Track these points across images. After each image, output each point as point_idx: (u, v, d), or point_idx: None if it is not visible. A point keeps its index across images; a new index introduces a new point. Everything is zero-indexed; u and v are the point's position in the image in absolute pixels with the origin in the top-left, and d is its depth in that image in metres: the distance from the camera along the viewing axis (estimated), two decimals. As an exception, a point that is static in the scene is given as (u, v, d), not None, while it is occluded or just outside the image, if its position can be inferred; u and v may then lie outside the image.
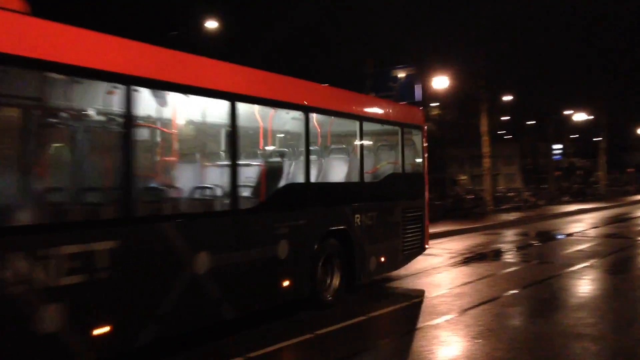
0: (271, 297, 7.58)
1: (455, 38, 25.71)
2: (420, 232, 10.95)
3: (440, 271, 12.15)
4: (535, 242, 17.86)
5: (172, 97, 6.71)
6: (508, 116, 42.99)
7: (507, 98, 35.64)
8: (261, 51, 23.24)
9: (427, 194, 11.31)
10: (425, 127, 11.51)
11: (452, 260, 13.61)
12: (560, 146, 54.33)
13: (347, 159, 9.47)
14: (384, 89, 23.16)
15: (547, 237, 19.27)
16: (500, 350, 6.58)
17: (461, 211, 25.79)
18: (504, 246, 17.01)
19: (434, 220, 21.97)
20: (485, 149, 28.63)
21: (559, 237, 19.25)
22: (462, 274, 11.79)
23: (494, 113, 32.05)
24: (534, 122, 46.26)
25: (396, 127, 10.55)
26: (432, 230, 19.23)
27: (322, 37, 24.97)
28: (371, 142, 10.56)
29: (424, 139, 11.38)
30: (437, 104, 32.82)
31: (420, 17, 24.89)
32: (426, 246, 11.19)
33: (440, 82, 24.82)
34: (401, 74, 23.25)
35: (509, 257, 14.76)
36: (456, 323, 7.80)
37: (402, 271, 11.80)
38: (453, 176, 55.09)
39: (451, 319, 7.98)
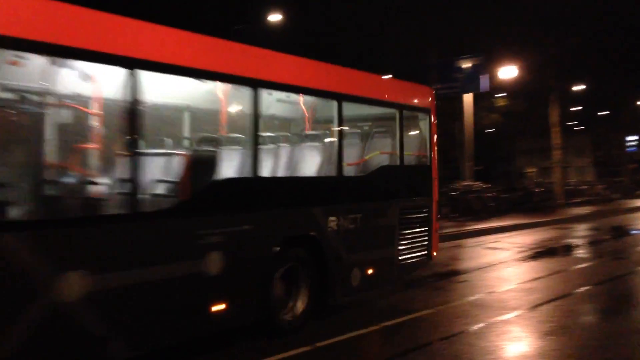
0: (194, 326, 5.81)
1: (524, 25, 24.84)
2: (426, 237, 8.90)
3: (508, 265, 11.88)
4: (608, 238, 17.18)
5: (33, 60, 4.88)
6: (579, 106, 41.43)
7: (579, 87, 34.33)
8: (324, 42, 23.27)
9: (436, 191, 9.33)
10: (433, 114, 9.40)
11: (521, 255, 13.27)
12: (635, 137, 51.95)
13: (320, 149, 7.64)
14: (448, 80, 22.81)
15: (622, 232, 18.51)
16: (573, 348, 6.38)
17: (530, 204, 25.11)
18: (575, 241, 16.46)
19: (502, 214, 21.52)
20: (556, 140, 27.74)
21: (634, 232, 18.47)
22: (532, 268, 11.48)
23: (565, 103, 30.96)
24: (607, 112, 44.39)
25: (392, 110, 8.57)
26: (499, 223, 18.90)
27: (385, 28, 24.73)
28: (357, 128, 8.74)
29: (433, 125, 9.33)
30: (504, 94, 31.98)
31: (487, 4, 24.23)
32: (434, 254, 9.16)
33: (508, 71, 24.18)
34: (466, 64, 22.79)
35: (581, 252, 14.27)
36: (527, 319, 7.62)
37: (469, 265, 11.62)
38: (521, 169, 53.66)
39: (521, 314, 7.79)
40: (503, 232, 17.81)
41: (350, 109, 7.86)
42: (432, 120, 9.35)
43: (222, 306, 5.97)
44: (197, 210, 5.86)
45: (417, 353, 6.35)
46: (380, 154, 8.51)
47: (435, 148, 9.45)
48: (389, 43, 24.15)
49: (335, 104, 7.49)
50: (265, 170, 7.04)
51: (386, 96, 8.55)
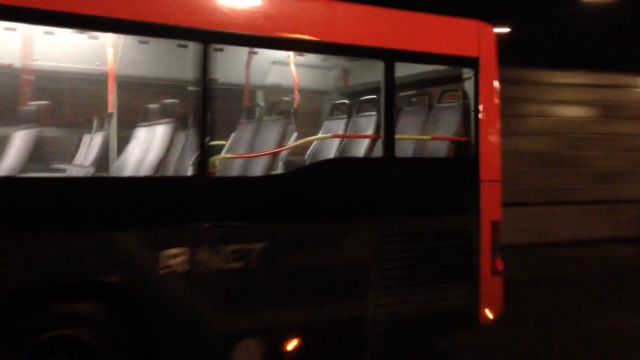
0: None
1: None
2: (462, 283, 5.07)
3: None
4: None
5: None
6: None
7: None
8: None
9: (495, 204, 5.25)
10: (487, 68, 5.22)
11: None
12: None
13: (172, 128, 4.77)
14: None
15: None
16: None
17: None
18: None
19: None
20: None
21: None
22: None
23: None
24: None
25: (376, 60, 4.86)
26: None
27: None
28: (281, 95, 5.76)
29: (485, 88, 5.19)
30: None
31: None
32: (488, 314, 5.14)
33: None
34: None
35: None
36: None
37: None
38: None
39: None
40: None
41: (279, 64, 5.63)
42: (484, 79, 5.19)
43: None
44: None
45: None
46: (331, 137, 5.39)
47: (497, 127, 5.31)
48: None
49: (199, 48, 4.08)
50: None
51: (342, 35, 4.65)
